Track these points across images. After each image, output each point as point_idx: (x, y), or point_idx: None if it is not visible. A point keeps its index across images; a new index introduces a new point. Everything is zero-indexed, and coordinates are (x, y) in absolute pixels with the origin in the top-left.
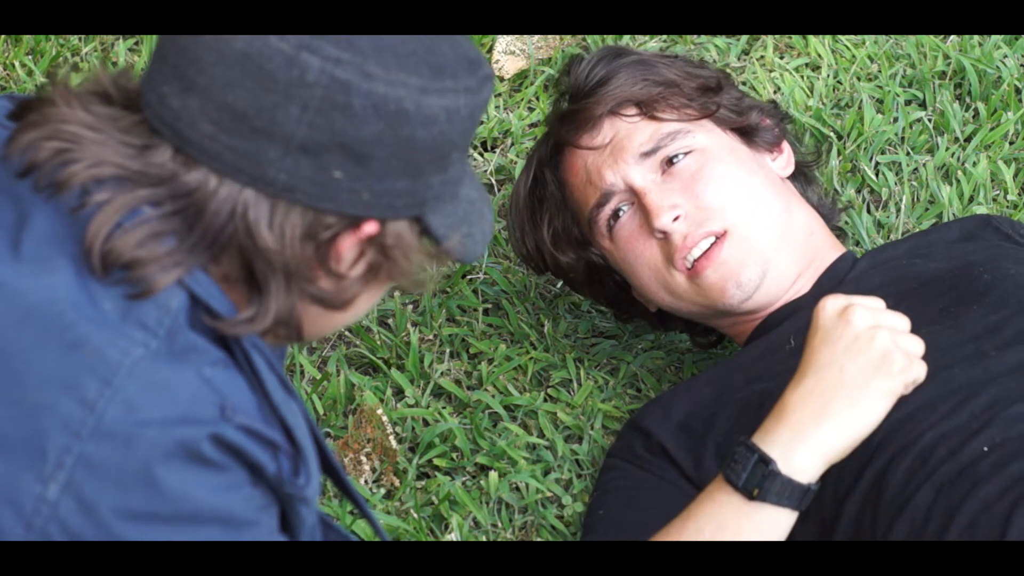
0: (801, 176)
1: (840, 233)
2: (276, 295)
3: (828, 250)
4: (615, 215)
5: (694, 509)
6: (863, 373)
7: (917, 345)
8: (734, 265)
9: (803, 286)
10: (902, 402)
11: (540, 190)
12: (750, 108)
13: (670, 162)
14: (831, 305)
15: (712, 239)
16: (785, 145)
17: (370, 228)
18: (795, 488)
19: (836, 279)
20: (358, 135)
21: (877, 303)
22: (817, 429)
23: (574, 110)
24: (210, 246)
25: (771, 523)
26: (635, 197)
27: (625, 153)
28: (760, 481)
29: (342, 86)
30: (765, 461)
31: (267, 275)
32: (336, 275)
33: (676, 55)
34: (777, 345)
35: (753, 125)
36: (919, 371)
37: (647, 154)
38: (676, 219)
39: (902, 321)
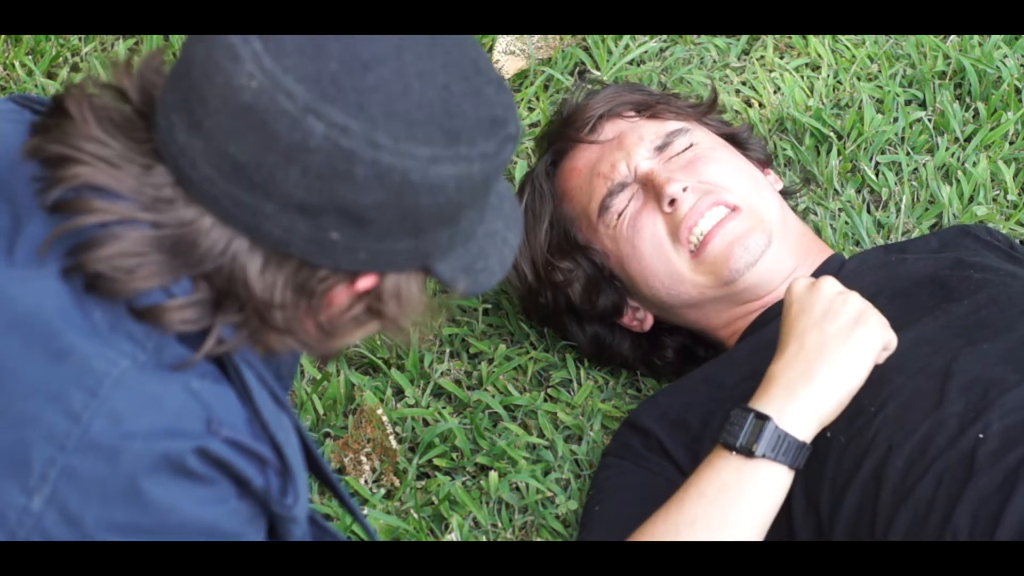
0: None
1: None
2: (238, 322)
3: (818, 251)
4: (625, 207)
5: (694, 478)
6: (843, 329)
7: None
8: (742, 232)
9: None
10: (897, 392)
11: (536, 203)
12: (739, 126)
13: (672, 155)
14: (800, 283)
15: (721, 208)
16: (771, 171)
17: (365, 283)
18: (791, 443)
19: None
20: (357, 201)
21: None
22: (807, 386)
23: (573, 112)
24: (191, 270)
25: (771, 481)
26: (640, 183)
27: (638, 146)
28: (758, 437)
29: (345, 155)
30: (761, 418)
31: (233, 307)
32: (325, 326)
33: (664, 87)
34: (770, 341)
35: (743, 136)
36: (891, 335)
37: (660, 148)
38: (685, 189)
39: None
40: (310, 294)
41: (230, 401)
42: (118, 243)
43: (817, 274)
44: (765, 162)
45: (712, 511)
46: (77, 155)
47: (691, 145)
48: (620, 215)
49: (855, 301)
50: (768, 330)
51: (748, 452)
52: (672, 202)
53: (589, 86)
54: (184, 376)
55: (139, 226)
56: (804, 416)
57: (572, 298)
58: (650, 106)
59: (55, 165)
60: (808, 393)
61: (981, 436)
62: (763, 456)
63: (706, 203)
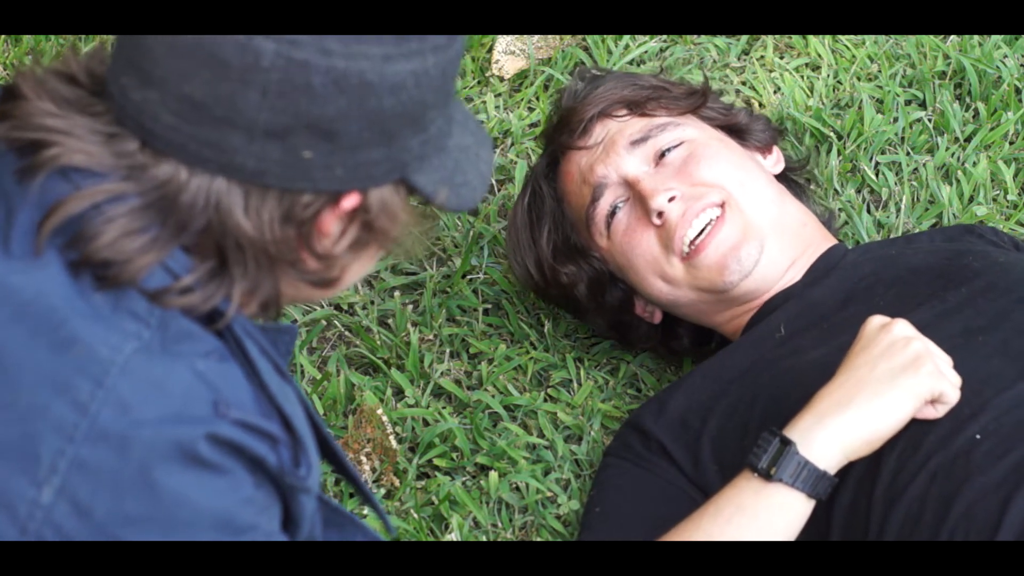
0: (793, 184)
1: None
2: (251, 277)
3: (821, 240)
4: (612, 212)
5: (716, 495)
6: (892, 371)
7: (948, 363)
8: (734, 242)
9: (795, 274)
10: None
11: (538, 204)
12: (738, 111)
13: (662, 155)
14: (875, 321)
15: (714, 211)
16: (775, 149)
17: (350, 202)
18: (811, 472)
19: (828, 267)
20: (322, 113)
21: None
22: (838, 416)
23: (566, 114)
24: (184, 235)
25: (786, 506)
26: (630, 190)
27: (616, 146)
28: (778, 461)
29: (299, 66)
30: (785, 442)
31: (238, 258)
32: (322, 255)
33: (662, 69)
34: (767, 334)
35: (742, 124)
36: (948, 387)
37: (637, 143)
38: (671, 200)
39: (937, 348)
40: (299, 222)
41: (237, 380)
42: (116, 224)
43: (818, 265)
44: (768, 143)
45: (727, 530)
46: (47, 137)
47: (681, 143)
48: (609, 222)
49: (917, 347)
50: (766, 323)
51: (767, 475)
52: (660, 214)
53: (591, 74)
54: (189, 356)
55: (128, 199)
56: (828, 446)
57: (579, 297)
58: (641, 103)
59: (28, 152)
60: (836, 424)
61: (978, 437)
62: (780, 481)
63: (695, 210)
